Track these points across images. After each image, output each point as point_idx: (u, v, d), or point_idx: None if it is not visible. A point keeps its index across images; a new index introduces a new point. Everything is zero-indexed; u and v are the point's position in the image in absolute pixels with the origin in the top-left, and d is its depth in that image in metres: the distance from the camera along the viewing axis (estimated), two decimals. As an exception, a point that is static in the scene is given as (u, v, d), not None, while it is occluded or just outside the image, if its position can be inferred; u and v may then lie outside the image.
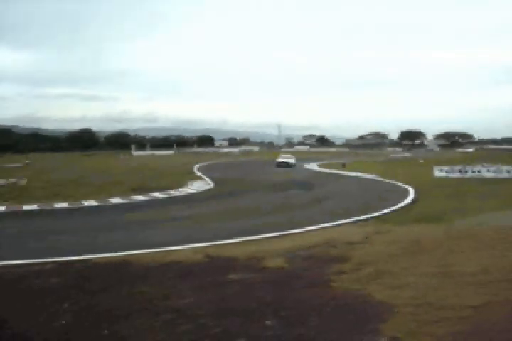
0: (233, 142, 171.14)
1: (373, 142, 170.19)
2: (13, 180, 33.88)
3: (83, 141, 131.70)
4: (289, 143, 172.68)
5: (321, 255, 12.35)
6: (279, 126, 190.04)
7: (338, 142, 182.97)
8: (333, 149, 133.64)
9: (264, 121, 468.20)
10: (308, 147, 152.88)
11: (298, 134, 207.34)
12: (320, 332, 7.01)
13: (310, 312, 7.92)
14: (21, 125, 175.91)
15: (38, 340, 7.12)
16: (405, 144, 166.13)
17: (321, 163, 65.14)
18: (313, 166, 58.42)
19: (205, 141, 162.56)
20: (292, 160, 57.92)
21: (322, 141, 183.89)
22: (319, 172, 49.58)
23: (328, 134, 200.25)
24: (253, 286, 9.72)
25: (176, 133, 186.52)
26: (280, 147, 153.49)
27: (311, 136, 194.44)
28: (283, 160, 57.79)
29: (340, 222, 18.10)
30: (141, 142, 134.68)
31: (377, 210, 20.79)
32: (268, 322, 7.47)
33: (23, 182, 33.94)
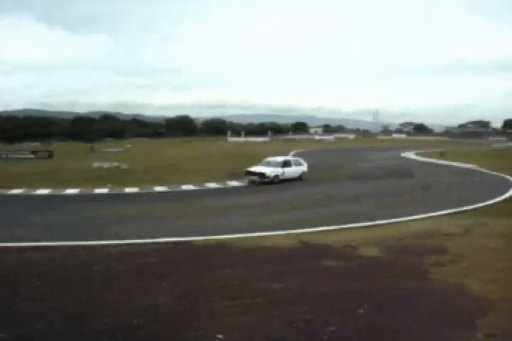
0: (328, 129, 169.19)
1: (474, 131, 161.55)
2: (115, 164, 35.76)
3: (181, 127, 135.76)
4: (386, 131, 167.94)
5: (417, 246, 12.14)
6: (375, 113, 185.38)
7: (436, 130, 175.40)
8: (431, 138, 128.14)
9: (359, 108, 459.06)
10: (404, 135, 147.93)
11: (393, 122, 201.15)
12: (413, 324, 6.94)
13: (405, 303, 7.85)
14: (124, 112, 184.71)
15: (135, 317, 7.50)
16: (509, 133, 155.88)
17: (418, 151, 62.98)
18: (410, 155, 56.53)
19: (300, 128, 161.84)
20: (277, 170, 28.02)
21: (420, 129, 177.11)
22: (415, 161, 47.96)
23: (425, 122, 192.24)
24: (348, 274, 9.77)
25: (270, 120, 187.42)
26: (376, 135, 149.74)
27: (408, 123, 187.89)
28: (259, 170, 28.09)
29: (436, 213, 17.57)
30: (237, 129, 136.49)
31: (476, 202, 19.87)
32: (360, 311, 7.50)
33: (126, 166, 35.77)
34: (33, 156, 50.31)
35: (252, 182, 27.45)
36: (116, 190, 24.61)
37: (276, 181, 27.35)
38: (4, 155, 50.51)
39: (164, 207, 20.18)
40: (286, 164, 28.96)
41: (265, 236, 13.56)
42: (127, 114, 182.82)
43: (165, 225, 15.87)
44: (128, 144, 73.89)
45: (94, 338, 6.66)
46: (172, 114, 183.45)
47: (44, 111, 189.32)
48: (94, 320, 7.23)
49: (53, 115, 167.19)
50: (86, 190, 24.33)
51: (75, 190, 24.22)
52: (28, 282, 9.25)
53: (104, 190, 24.54)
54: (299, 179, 28.81)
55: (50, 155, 50.28)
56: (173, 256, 11.51)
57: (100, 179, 28.49)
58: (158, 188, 25.33)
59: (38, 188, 24.76)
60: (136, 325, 7.03)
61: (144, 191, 24.57)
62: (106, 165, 35.64)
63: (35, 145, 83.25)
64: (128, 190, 24.78)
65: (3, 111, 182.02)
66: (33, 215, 17.92)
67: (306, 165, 30.00)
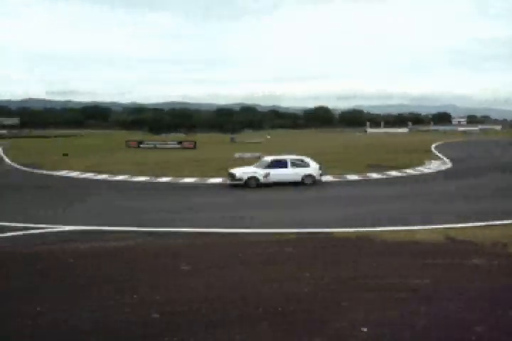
0: (473, 120, 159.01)
1: None
2: (257, 154, 36.42)
3: (319, 118, 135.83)
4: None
5: None
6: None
7: None
8: None
9: (506, 96, 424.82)
10: None
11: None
12: None
13: None
14: (263, 103, 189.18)
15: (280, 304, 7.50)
16: None
17: None
18: None
19: (442, 118, 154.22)
20: (256, 172, 23.62)
21: None
22: None
23: None
24: (500, 273, 9.09)
25: (410, 110, 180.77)
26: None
27: None
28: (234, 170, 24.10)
29: None
30: (375, 120, 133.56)
31: None
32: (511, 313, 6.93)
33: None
34: (179, 146, 53.62)
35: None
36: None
37: (252, 185, 22.81)
38: (153, 145, 55.06)
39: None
40: (275, 165, 23.67)
41: (410, 230, 12.95)
42: (265, 106, 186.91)
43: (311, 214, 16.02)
44: (268, 135, 75.28)
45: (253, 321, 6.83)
46: (309, 104, 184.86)
47: (185, 103, 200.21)
48: (250, 304, 7.42)
49: (195, 107, 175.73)
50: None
51: (218, 179, 25.18)
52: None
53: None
54: (303, 183, 23.25)
55: (194, 146, 53.02)
56: (313, 247, 11.44)
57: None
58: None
59: (185, 177, 26.20)
60: (282, 312, 7.08)
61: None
62: (247, 155, 36.47)
63: (180, 135, 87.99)
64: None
65: (149, 104, 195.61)
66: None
67: (314, 166, 23.99)
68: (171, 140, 62.73)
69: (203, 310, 7.12)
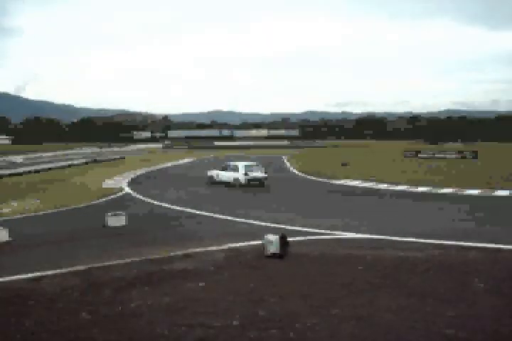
0: None
1: None
2: None
3: None
4: None
5: None
6: None
7: None
8: None
9: None
10: None
11: None
12: None
13: None
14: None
15: None
16: None
17: None
18: None
19: None
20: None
21: None
22: None
23: None
24: None
25: None
26: None
27: None
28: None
29: None
30: None
31: None
32: None
33: None
34: (457, 156, 51.67)
35: None
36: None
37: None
38: (432, 155, 54.27)
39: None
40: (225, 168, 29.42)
41: None
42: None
43: None
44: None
45: None
46: None
47: (463, 111, 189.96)
48: None
49: (473, 115, 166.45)
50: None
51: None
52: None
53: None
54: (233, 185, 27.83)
55: (475, 156, 50.42)
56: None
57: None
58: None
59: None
60: None
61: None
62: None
63: (457, 145, 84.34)
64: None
65: (425, 113, 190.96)
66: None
67: (241, 172, 27.77)
68: (449, 149, 61.13)
69: None
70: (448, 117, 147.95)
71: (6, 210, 19.86)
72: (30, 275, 10.09)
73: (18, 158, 59.40)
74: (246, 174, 27.56)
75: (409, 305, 7.90)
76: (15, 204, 21.43)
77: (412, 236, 13.53)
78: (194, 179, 33.05)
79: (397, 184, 27.54)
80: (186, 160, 55.80)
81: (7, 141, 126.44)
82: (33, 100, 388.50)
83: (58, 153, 73.33)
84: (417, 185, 26.88)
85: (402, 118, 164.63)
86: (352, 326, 7.04)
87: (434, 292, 8.62)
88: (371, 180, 29.63)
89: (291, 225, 15.53)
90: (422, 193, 24.57)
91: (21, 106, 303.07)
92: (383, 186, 27.22)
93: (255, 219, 16.89)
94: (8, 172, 38.39)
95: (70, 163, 49.84)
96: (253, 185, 27.67)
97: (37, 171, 40.66)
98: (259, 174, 28.06)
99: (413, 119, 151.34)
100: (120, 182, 30.76)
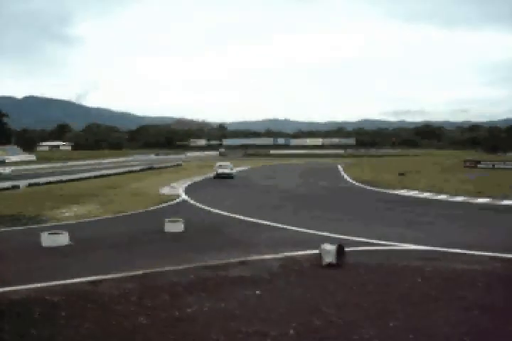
0: None
1: None
2: None
3: None
4: None
5: None
6: None
7: None
8: None
9: None
10: None
11: None
12: None
13: None
14: None
15: None
16: None
17: None
18: None
19: None
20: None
21: None
22: None
23: None
24: None
25: None
26: None
27: None
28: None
29: None
30: None
31: None
32: None
33: None
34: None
35: None
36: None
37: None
38: (492, 165, 52.49)
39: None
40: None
41: None
42: None
43: None
44: None
45: None
46: None
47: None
48: None
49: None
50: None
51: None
52: None
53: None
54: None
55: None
56: None
57: None
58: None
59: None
60: None
61: None
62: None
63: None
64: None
65: (484, 122, 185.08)
66: None
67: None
68: (509, 159, 59.10)
69: None
70: (509, 126, 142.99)
71: (66, 214, 20.53)
72: (89, 278, 10.37)
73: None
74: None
75: (468, 319, 7.66)
76: (76, 209, 22.11)
77: (471, 249, 13.14)
78: (249, 186, 33.09)
79: (456, 195, 26.75)
80: (241, 168, 55.97)
81: (68, 147, 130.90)
82: (93, 107, 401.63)
83: (117, 159, 75.28)
84: (477, 196, 26.05)
85: (459, 127, 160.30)
86: (410, 339, 6.88)
87: (493, 306, 8.33)
88: (430, 191, 28.91)
89: (348, 235, 15.34)
90: (481, 204, 23.81)
91: (82, 114, 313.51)
92: (442, 197, 26.51)
93: (308, 228, 16.80)
94: (66, 177, 39.77)
95: (128, 169, 51.07)
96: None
97: (96, 177, 41.93)
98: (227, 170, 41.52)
99: (472, 128, 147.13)
100: (177, 189, 31.25)
